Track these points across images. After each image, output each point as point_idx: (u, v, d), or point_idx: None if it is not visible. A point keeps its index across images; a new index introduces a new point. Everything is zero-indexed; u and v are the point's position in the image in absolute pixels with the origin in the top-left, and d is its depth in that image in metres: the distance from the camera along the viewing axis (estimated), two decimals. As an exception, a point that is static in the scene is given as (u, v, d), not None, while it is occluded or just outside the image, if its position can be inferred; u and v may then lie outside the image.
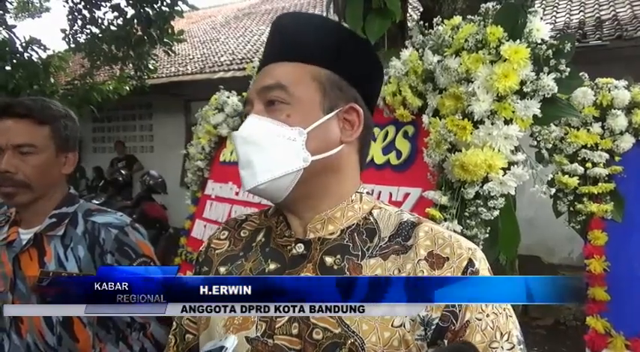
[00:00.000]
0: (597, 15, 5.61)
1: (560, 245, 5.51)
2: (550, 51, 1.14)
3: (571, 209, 1.86)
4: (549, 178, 1.79)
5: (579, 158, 1.81)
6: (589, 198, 1.81)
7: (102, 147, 9.28)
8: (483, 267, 0.67)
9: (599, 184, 1.78)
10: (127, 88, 6.49)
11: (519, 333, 0.65)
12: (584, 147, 1.81)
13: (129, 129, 9.41)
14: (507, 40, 1.18)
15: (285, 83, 0.71)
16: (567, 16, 5.89)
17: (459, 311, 0.63)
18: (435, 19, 1.40)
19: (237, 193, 2.53)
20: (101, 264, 1.20)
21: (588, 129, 1.82)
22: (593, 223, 1.81)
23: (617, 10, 5.56)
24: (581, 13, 5.83)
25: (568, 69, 1.14)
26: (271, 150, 0.70)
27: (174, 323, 0.89)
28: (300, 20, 0.80)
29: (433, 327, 0.63)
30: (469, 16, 1.32)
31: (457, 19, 1.34)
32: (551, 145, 1.65)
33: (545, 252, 5.47)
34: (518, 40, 1.17)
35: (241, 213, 2.37)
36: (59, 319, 1.17)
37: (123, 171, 7.19)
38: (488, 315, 0.63)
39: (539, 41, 1.17)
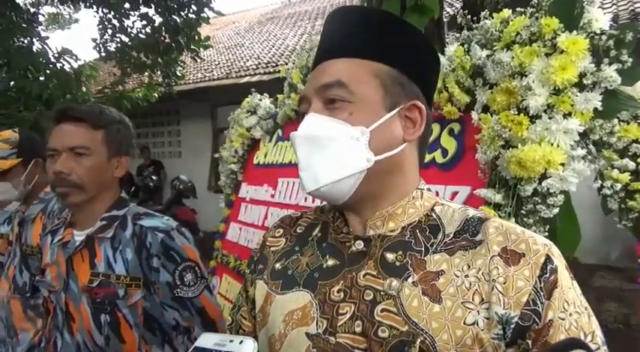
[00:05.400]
0: (631, 8, 5.45)
1: (597, 245, 5.37)
2: (611, 41, 1.09)
3: (622, 206, 1.79)
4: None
5: (630, 153, 1.74)
6: (642, 195, 1.74)
7: (132, 156, 9.44)
8: (561, 264, 0.63)
9: (653, 180, 1.71)
10: (156, 95, 6.59)
11: (601, 334, 0.61)
12: (635, 141, 1.74)
13: (158, 136, 9.57)
14: (563, 31, 1.14)
15: (346, 81, 0.68)
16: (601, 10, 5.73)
17: (541, 309, 0.59)
18: (482, 13, 1.37)
19: (272, 195, 2.53)
20: (147, 266, 1.21)
21: (639, 123, 1.75)
22: (646, 221, 1.74)
23: (635, 6, 5.40)
24: (614, 7, 5.68)
25: (630, 59, 1.10)
26: (334, 151, 0.67)
27: (229, 318, 0.90)
28: (357, 14, 0.75)
29: (512, 326, 0.59)
30: (518, 9, 1.28)
31: (506, 12, 1.30)
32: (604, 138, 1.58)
33: (582, 253, 5.33)
34: (574, 31, 1.13)
35: (278, 215, 2.37)
36: (107, 320, 1.19)
37: (153, 177, 7.30)
38: (571, 315, 0.60)
39: (597, 31, 1.13)
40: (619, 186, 1.61)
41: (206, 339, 0.59)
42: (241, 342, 0.57)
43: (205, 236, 5.44)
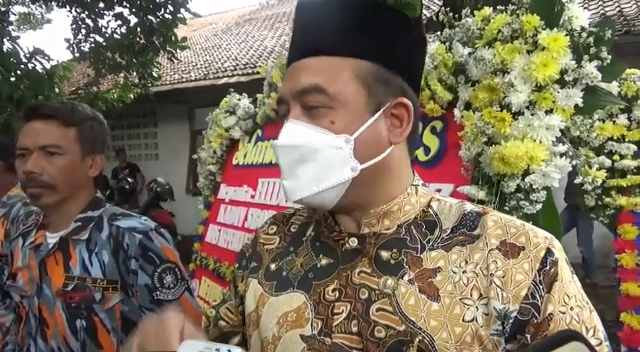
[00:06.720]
0: (602, 11, 5.60)
1: (571, 243, 5.46)
2: (591, 38, 1.11)
3: (599, 203, 1.82)
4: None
5: (606, 150, 1.78)
6: (617, 191, 1.77)
7: (107, 156, 9.25)
8: (562, 258, 0.61)
9: (628, 177, 1.75)
10: (132, 96, 6.47)
11: (603, 329, 0.60)
12: (611, 139, 1.78)
13: (134, 138, 9.39)
14: (544, 29, 1.14)
15: (324, 85, 0.63)
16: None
17: (541, 303, 0.58)
18: (463, 11, 1.38)
19: (252, 196, 2.50)
20: (125, 269, 1.17)
21: (614, 121, 1.78)
22: (622, 217, 1.78)
23: (622, 6, 5.56)
24: (586, 10, 5.82)
25: (609, 56, 1.11)
26: (316, 161, 0.64)
27: (211, 309, 0.88)
28: (330, 5, 0.69)
29: (511, 321, 0.58)
30: (499, 7, 1.29)
31: (487, 10, 1.31)
32: (584, 135, 1.61)
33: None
34: (555, 28, 1.14)
35: (258, 216, 2.34)
36: (83, 325, 1.15)
37: (129, 179, 7.17)
38: (572, 308, 0.58)
39: (577, 29, 1.14)
40: (599, 181, 1.64)
41: (189, 347, 0.55)
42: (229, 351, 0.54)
43: (183, 239, 5.35)
